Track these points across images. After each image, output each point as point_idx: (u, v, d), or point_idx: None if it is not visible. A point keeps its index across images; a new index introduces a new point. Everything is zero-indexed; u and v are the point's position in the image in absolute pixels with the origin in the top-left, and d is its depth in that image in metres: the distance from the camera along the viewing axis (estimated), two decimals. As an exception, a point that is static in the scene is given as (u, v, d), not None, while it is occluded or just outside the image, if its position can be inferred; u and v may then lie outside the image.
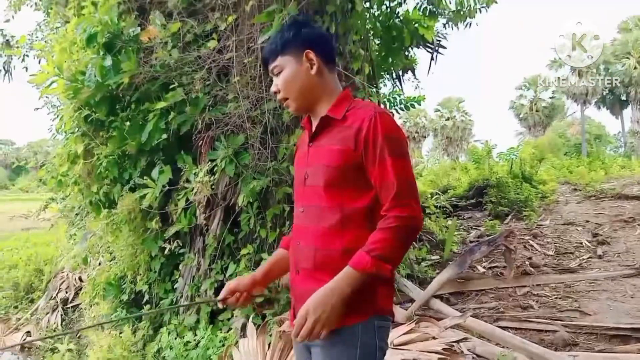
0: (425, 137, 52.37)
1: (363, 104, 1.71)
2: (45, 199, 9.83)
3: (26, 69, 11.25)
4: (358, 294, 1.54)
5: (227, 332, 4.30)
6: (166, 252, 4.79)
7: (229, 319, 4.45)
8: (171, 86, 4.33)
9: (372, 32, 6.42)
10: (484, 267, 5.85)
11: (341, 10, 4.58)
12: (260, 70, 4.19)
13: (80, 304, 7.04)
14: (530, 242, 6.99)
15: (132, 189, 4.82)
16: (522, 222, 8.50)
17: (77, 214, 9.22)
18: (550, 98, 48.12)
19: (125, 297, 5.35)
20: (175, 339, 4.45)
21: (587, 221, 8.40)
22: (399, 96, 8.66)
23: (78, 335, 6.47)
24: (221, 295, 1.86)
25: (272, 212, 4.40)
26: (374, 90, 5.50)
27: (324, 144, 1.70)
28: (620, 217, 8.37)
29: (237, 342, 3.96)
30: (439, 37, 7.60)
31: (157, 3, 4.79)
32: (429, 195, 9.14)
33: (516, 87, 49.98)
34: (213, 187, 4.34)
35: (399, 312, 4.24)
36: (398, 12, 6.66)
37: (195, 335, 4.38)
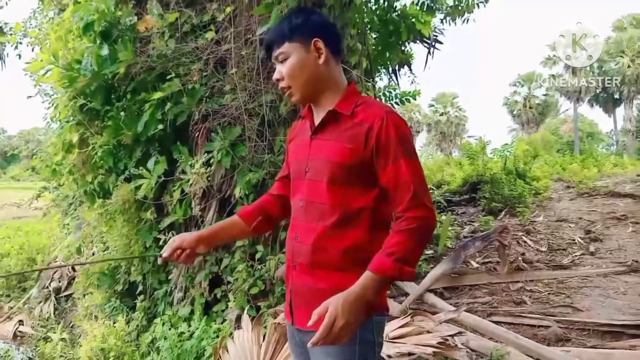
0: (419, 132, 52.45)
1: (372, 102, 1.70)
2: (37, 187, 9.79)
3: (19, 56, 11.19)
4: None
5: (221, 323, 4.30)
6: (161, 243, 4.78)
7: (223, 311, 4.46)
8: (168, 77, 4.31)
9: (369, 26, 6.40)
10: (478, 263, 5.88)
11: (339, 3, 4.56)
12: (258, 62, 4.18)
13: (73, 293, 7.02)
14: (524, 238, 7.03)
15: (128, 179, 4.80)
16: (516, 218, 8.54)
17: (70, 204, 9.19)
18: (544, 95, 48.34)
19: (119, 287, 5.34)
20: (170, 329, 4.45)
21: (580, 218, 8.45)
22: (394, 90, 8.69)
23: (71, 324, 6.47)
24: (165, 252, 1.82)
25: (268, 204, 4.40)
26: (371, 84, 5.50)
27: (329, 139, 1.66)
28: (612, 214, 8.43)
29: (231, 333, 3.97)
30: (435, 32, 7.60)
31: (154, -8, 4.76)
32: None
33: (510, 83, 50.15)
34: (209, 178, 4.33)
35: (394, 306, 4.25)
36: (395, 7, 6.65)
37: (190, 326, 4.38)
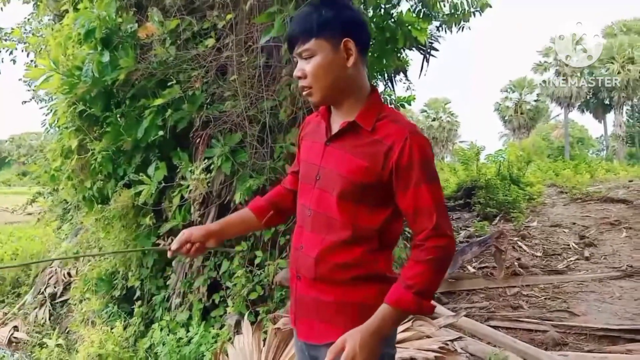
0: (411, 137, 52.41)
1: (395, 117, 1.55)
2: (29, 192, 9.76)
3: (14, 61, 11.15)
4: (361, 308, 1.51)
5: (220, 328, 4.31)
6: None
7: (221, 316, 4.47)
8: (169, 83, 4.33)
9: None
10: (474, 267, 5.92)
11: None
12: (260, 69, 4.21)
13: (68, 299, 7.00)
14: (519, 243, 7.10)
15: (127, 185, 4.81)
16: (510, 224, 8.62)
17: (65, 209, 9.16)
18: (535, 101, 48.60)
19: (117, 293, 5.34)
20: (168, 335, 4.45)
21: (574, 223, 8.53)
22: (390, 96, 8.74)
23: (67, 330, 6.45)
24: (173, 245, 1.77)
25: (267, 210, 4.42)
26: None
27: (346, 151, 1.55)
28: (606, 219, 8.52)
29: (230, 338, 3.98)
30: (431, 39, 7.65)
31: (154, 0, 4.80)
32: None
33: (501, 89, 50.42)
34: (209, 184, 4.34)
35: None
36: (392, 14, 6.69)
37: (188, 331, 4.38)
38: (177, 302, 4.75)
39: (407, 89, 8.50)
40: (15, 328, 7.26)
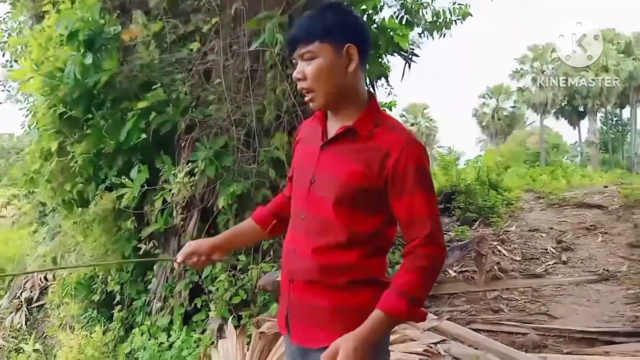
0: (389, 142, 52.75)
1: (392, 124, 1.58)
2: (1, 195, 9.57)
3: (-9, 61, 10.96)
4: (355, 312, 1.51)
5: (202, 333, 4.28)
6: (141, 252, 4.75)
7: (203, 320, 4.44)
8: (154, 87, 4.31)
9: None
10: (455, 272, 5.99)
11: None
12: (247, 72, 4.22)
13: (45, 303, 6.89)
14: (498, 247, 7.19)
15: (108, 188, 4.76)
16: (490, 228, 8.72)
17: (41, 212, 9.02)
18: (512, 107, 49.31)
19: (96, 297, 5.27)
20: (149, 340, 4.41)
21: (551, 228, 8.67)
22: (371, 102, 8.80)
23: (44, 335, 6.34)
24: (179, 258, 1.80)
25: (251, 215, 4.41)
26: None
27: (342, 157, 1.55)
28: (582, 224, 8.67)
29: (212, 342, 3.96)
30: (412, 45, 7.73)
31: (137, 2, 4.77)
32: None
33: (479, 95, 51.05)
34: (192, 188, 4.32)
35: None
36: (375, 20, 6.75)
37: (169, 336, 4.34)
38: (158, 306, 4.71)
39: (389, 94, 8.57)
40: (-10, 333, 7.13)
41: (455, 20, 6.90)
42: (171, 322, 4.48)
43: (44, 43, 4.81)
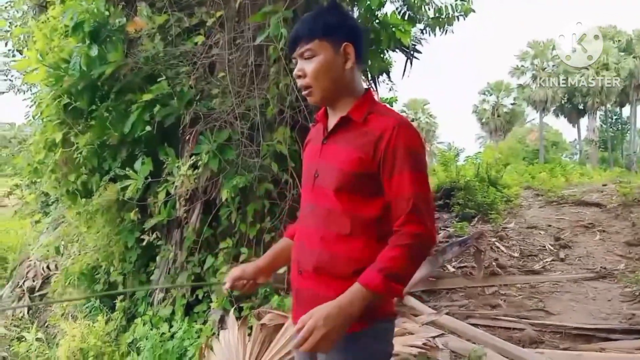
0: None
1: (385, 110, 1.65)
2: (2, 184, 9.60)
3: (-11, 51, 10.96)
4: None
5: (203, 324, 4.33)
6: (144, 244, 4.78)
7: (204, 312, 4.49)
8: (158, 79, 4.33)
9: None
10: (454, 267, 6.04)
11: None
12: (252, 65, 4.24)
13: (47, 293, 6.93)
14: (497, 244, 7.24)
15: (112, 180, 4.80)
16: (489, 225, 8.76)
17: (43, 202, 9.04)
18: (512, 104, 49.25)
19: (98, 288, 5.32)
20: (151, 330, 4.45)
21: (550, 225, 8.72)
22: (373, 97, 8.83)
23: (45, 324, 6.39)
24: (228, 284, 1.85)
25: (253, 208, 4.46)
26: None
27: (340, 145, 1.63)
28: (580, 222, 8.72)
29: (214, 333, 4.01)
30: (414, 41, 7.74)
31: (142, -6, 4.79)
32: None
33: (479, 91, 50.99)
34: (196, 180, 4.36)
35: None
36: (377, 15, 6.76)
37: (171, 326, 4.39)
38: (160, 297, 4.75)
39: (390, 89, 8.60)
40: (-7, 321, 7.16)
41: (457, 17, 6.90)
42: (173, 313, 4.53)
43: (48, 34, 4.83)
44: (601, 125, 46.59)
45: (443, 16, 6.83)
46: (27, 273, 7.54)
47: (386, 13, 6.88)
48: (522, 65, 43.01)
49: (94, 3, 4.43)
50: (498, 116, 48.70)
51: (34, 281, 7.34)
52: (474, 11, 6.79)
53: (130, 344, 4.55)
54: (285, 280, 3.72)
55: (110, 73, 4.44)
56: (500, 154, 16.80)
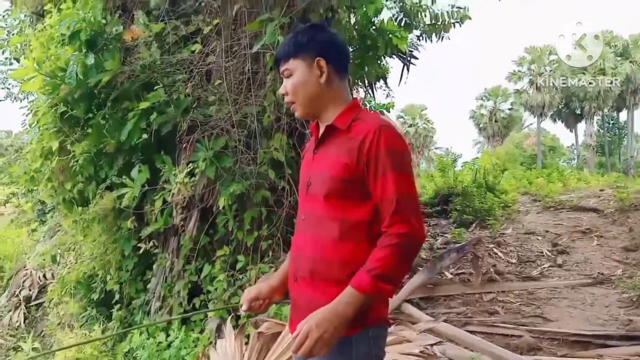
0: (387, 143, 52.62)
1: (369, 116, 1.69)
2: None
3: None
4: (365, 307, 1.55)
5: (200, 332, 4.31)
6: (140, 252, 4.77)
7: (201, 320, 4.47)
8: (155, 87, 4.34)
9: (349, 41, 6.53)
10: (452, 274, 6.02)
11: (324, 19, 4.67)
12: (249, 73, 4.25)
13: (43, 302, 6.92)
14: (495, 250, 7.22)
15: (108, 188, 4.79)
16: (486, 231, 8.74)
17: (40, 210, 9.04)
18: (509, 109, 49.30)
19: (95, 296, 5.31)
20: (148, 339, 4.44)
21: (547, 231, 8.70)
22: (369, 103, 8.87)
23: (42, 333, 6.38)
24: (245, 306, 1.84)
25: (250, 215, 4.46)
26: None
27: (328, 153, 1.68)
28: (578, 228, 8.70)
29: (211, 342, 3.99)
30: (411, 47, 7.78)
31: (139, 2, 4.80)
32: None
33: (477, 97, 51.01)
34: (193, 188, 4.35)
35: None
36: (374, 22, 6.79)
37: (168, 335, 4.38)
38: (157, 305, 4.74)
39: (387, 95, 8.64)
40: (-11, 330, 7.14)
41: (454, 24, 6.95)
42: (170, 322, 4.51)
43: (45, 42, 4.84)
44: (598, 130, 46.66)
45: (439, 23, 6.86)
46: (24, 282, 7.53)
47: (383, 20, 6.93)
48: (519, 71, 43.06)
49: (90, 12, 4.45)
50: (495, 121, 48.68)
51: (30, 290, 7.33)
52: (469, 18, 6.83)
53: (126, 353, 4.53)
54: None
55: (107, 81, 4.46)
56: (497, 159, 16.80)
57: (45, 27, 4.96)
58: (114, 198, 4.64)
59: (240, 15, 4.42)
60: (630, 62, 39.32)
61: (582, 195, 12.56)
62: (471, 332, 4.27)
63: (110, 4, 4.70)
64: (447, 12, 6.97)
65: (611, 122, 48.93)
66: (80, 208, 5.12)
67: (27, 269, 7.76)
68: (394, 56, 7.66)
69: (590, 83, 36.23)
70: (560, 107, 43.61)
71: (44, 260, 6.24)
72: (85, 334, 4.87)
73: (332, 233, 1.62)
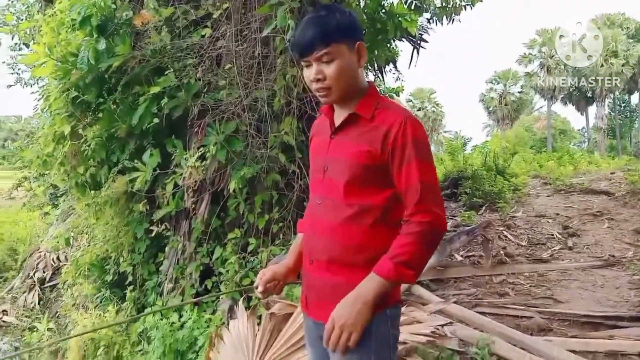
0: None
1: (391, 105, 1.70)
2: (5, 176, 9.70)
3: (-1, 43, 11.01)
4: None
5: (212, 314, 4.37)
6: (152, 234, 4.82)
7: (213, 301, 4.52)
8: (166, 72, 4.36)
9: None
10: (462, 256, 6.04)
11: (334, 2, 4.66)
12: (259, 57, 4.25)
13: (57, 283, 7.02)
14: (505, 232, 7.22)
15: (120, 172, 4.84)
16: (496, 214, 8.73)
17: (52, 194, 9.11)
18: (519, 92, 48.90)
19: (109, 278, 5.38)
20: (161, 319, 4.50)
21: (558, 214, 8.68)
22: (378, 87, 8.83)
23: (56, 314, 6.48)
24: (261, 287, 1.84)
25: (261, 198, 4.49)
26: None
27: (349, 140, 1.67)
28: (588, 210, 8.68)
29: (223, 323, 4.04)
30: (421, 30, 7.73)
31: (149, -14, 4.80)
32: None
33: (486, 80, 50.63)
34: (204, 171, 4.38)
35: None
36: (384, 5, 6.75)
37: (181, 316, 4.44)
38: (169, 287, 4.80)
39: (397, 79, 8.60)
40: (4, 312, 7.27)
41: (464, 6, 6.88)
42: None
43: (55, 28, 4.86)
44: (610, 113, 46.20)
45: (450, 5, 6.79)
46: (38, 264, 7.65)
47: (393, 3, 6.88)
48: (530, 53, 42.64)
49: (100, -4, 4.45)
50: (505, 105, 48.35)
51: (44, 272, 7.45)
52: (481, 0, 6.76)
53: (140, 333, 4.60)
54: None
55: (118, 66, 4.48)
56: (507, 142, 16.72)
57: (55, 12, 4.98)
58: (126, 182, 4.68)
59: (251, 0, 4.41)
60: (643, 44, 38.81)
61: (593, 178, 12.49)
62: (481, 313, 4.29)
63: (120, -11, 4.70)
64: (458, -6, 6.91)
65: (622, 104, 48.45)
66: (92, 192, 5.16)
67: (40, 252, 7.88)
68: (403, 39, 7.61)
69: (601, 65, 35.90)
70: (571, 90, 43.18)
71: (58, 242, 6.32)
72: (100, 315, 4.95)
73: (349, 219, 1.64)
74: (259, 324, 3.70)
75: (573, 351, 3.51)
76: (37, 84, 9.01)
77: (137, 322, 4.73)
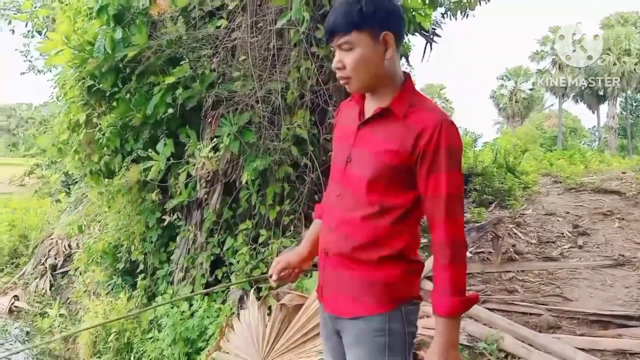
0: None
1: (427, 104, 1.60)
2: (16, 164, 9.79)
3: (13, 31, 11.07)
4: (385, 286, 1.59)
5: (222, 303, 4.40)
6: (165, 224, 4.86)
7: (223, 291, 4.56)
8: (181, 62, 4.38)
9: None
10: (471, 252, 6.04)
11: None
12: (274, 49, 4.27)
13: (69, 270, 7.09)
14: (514, 230, 7.21)
15: (135, 161, 4.88)
16: (506, 211, 8.72)
17: (63, 182, 9.20)
18: (530, 90, 48.60)
19: (120, 266, 5.44)
20: (172, 308, 4.55)
21: (568, 212, 8.64)
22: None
23: (68, 300, 6.55)
24: (275, 276, 1.84)
25: (273, 190, 4.50)
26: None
27: (377, 135, 1.59)
28: (599, 210, 8.64)
29: (233, 313, 4.07)
30: (434, 25, 7.70)
31: (165, -23, 4.81)
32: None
33: (498, 77, 50.34)
34: (217, 162, 4.41)
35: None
36: (398, -1, 6.73)
37: (191, 305, 4.48)
38: (180, 276, 4.84)
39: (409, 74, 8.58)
40: (16, 297, 7.36)
41: (479, 1, 6.85)
42: (193, 292, 4.62)
43: (72, 16, 4.89)
44: (621, 112, 45.81)
45: (465, 1, 6.77)
46: (49, 251, 7.72)
47: (406, -4, 6.85)
48: (542, 50, 42.33)
49: (118, -15, 4.48)
50: (516, 102, 48.07)
51: (55, 259, 7.52)
52: (495, -5, 6.73)
53: (151, 321, 4.65)
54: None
55: (134, 56, 4.50)
56: (517, 140, 16.64)
57: (72, 0, 5.01)
58: (140, 171, 4.72)
59: (266, -9, 4.42)
60: (657, 43, 38.42)
61: (604, 177, 12.41)
62: (490, 309, 4.30)
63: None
64: (473, -11, 6.88)
65: (634, 104, 48.02)
66: (106, 180, 5.22)
67: (52, 238, 7.95)
68: (416, 34, 7.58)
69: (614, 64, 35.58)
70: (582, 88, 42.85)
71: (71, 230, 6.38)
72: (111, 302, 5.00)
73: (370, 216, 1.59)
74: (269, 314, 3.73)
75: (581, 349, 3.52)
76: (50, 71, 9.09)
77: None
